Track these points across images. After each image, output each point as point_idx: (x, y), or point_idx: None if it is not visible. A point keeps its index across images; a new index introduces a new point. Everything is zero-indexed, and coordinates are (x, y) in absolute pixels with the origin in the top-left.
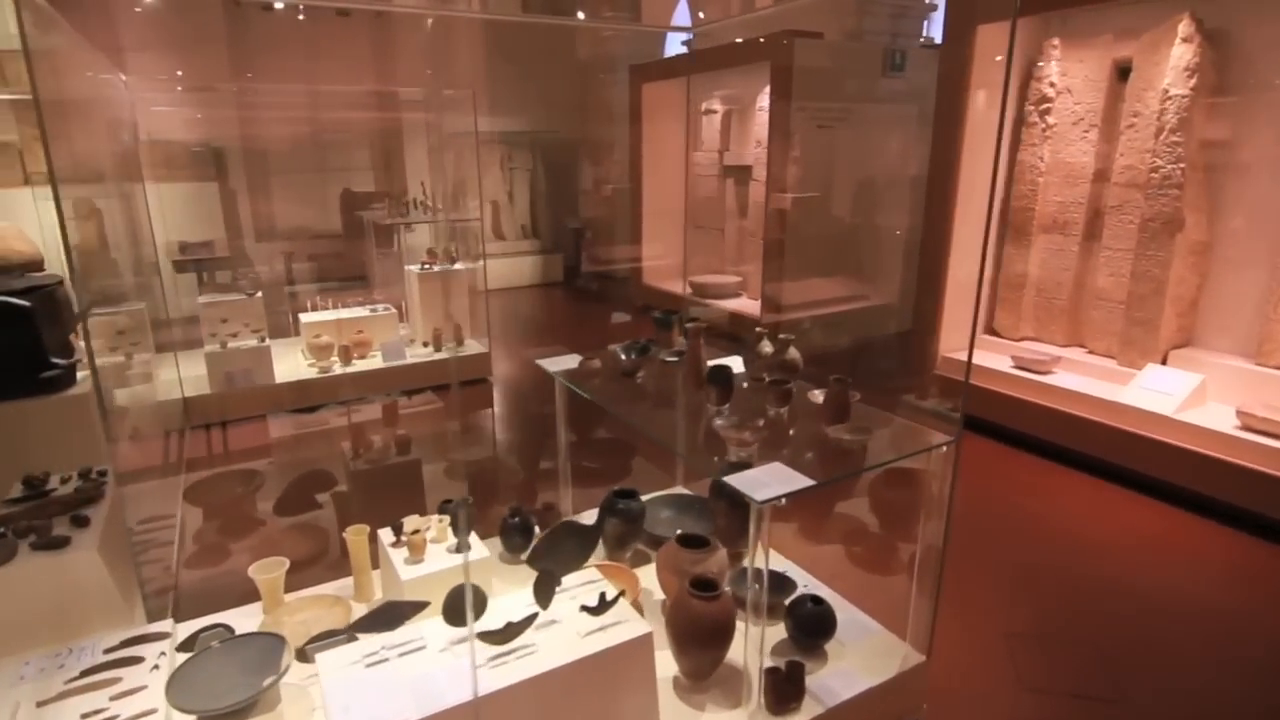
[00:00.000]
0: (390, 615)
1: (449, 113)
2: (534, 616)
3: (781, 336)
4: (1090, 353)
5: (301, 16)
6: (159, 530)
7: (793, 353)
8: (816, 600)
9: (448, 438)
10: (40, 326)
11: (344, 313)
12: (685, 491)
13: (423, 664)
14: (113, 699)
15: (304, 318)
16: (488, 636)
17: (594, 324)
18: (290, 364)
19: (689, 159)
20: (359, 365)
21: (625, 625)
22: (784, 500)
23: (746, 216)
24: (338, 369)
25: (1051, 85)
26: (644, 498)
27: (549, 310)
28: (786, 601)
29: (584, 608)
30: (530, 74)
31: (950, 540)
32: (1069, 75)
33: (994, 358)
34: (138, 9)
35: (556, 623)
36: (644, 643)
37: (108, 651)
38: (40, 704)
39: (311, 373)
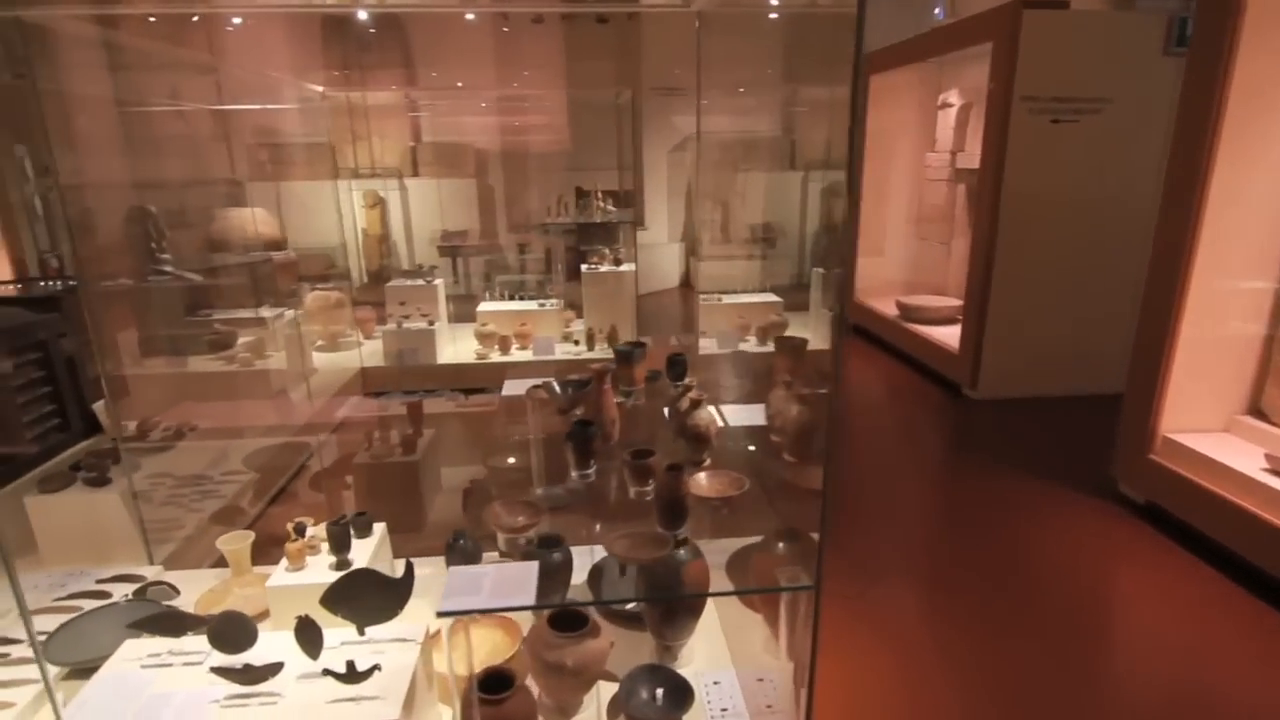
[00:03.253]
0: (174, 622)
1: (680, 115)
2: (279, 665)
3: (692, 394)
4: None
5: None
6: (219, 484)
7: (703, 415)
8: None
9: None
10: (204, 301)
11: (514, 305)
12: None
13: (182, 680)
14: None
15: (480, 306)
16: (224, 672)
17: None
18: (461, 348)
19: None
20: (515, 356)
21: (378, 703)
22: (476, 617)
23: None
24: (494, 357)
25: None
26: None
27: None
28: None
29: (328, 671)
30: (774, 72)
31: None
32: None
33: (1246, 453)
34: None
35: (315, 679)
36: None
37: (99, 582)
38: (54, 599)
39: (470, 358)
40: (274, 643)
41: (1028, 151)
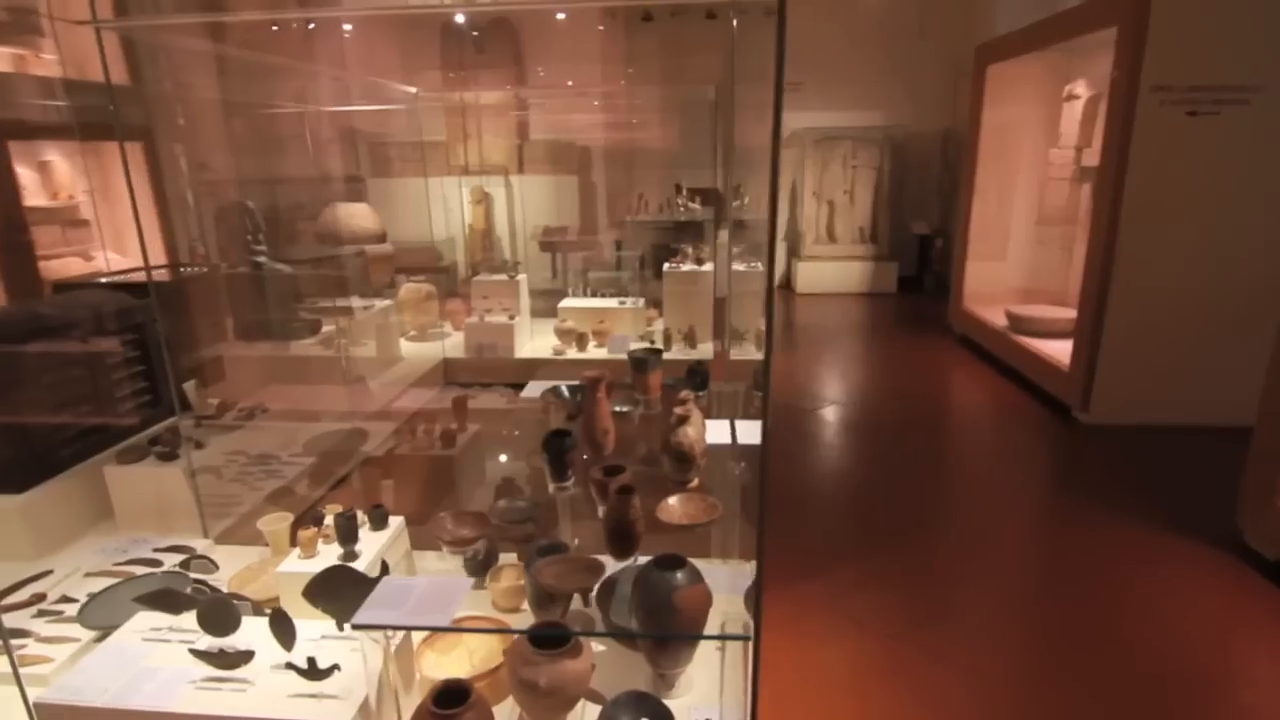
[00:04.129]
0: (173, 600)
1: (787, 111)
2: (250, 654)
3: (680, 409)
4: None
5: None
6: (284, 465)
7: (690, 433)
8: None
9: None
10: (294, 290)
11: (595, 301)
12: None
13: (172, 657)
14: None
15: (563, 302)
16: (201, 654)
17: (892, 349)
18: (540, 343)
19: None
20: (590, 353)
21: (336, 703)
22: (394, 635)
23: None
24: (571, 354)
25: None
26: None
27: (850, 325)
28: None
29: (290, 665)
30: (884, 62)
31: None
32: None
33: None
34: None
35: (283, 671)
36: None
37: (155, 550)
38: (87, 574)
39: (547, 354)
40: (258, 631)
41: (1158, 148)
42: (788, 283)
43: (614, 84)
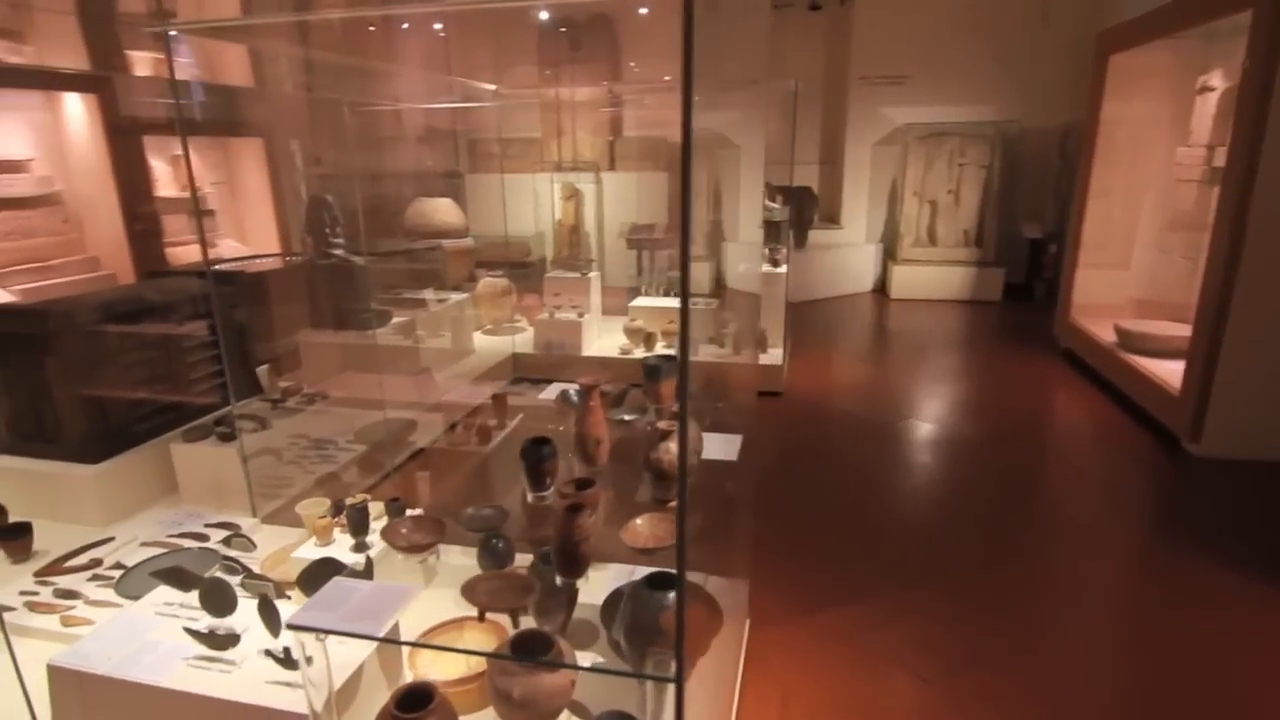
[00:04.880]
0: (183, 577)
1: (891, 106)
2: (236, 637)
3: (662, 423)
4: None
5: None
6: (341, 451)
7: (672, 449)
8: None
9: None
10: (366, 283)
11: (666, 301)
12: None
13: (176, 633)
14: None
15: (634, 301)
16: (193, 633)
17: (989, 362)
18: (609, 341)
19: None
20: (657, 353)
21: (304, 694)
22: (323, 638)
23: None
24: (638, 354)
25: None
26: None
27: (945, 334)
28: None
29: (268, 653)
30: (1000, 52)
31: None
32: None
33: None
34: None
35: (267, 658)
36: (260, 718)
37: (206, 526)
38: (144, 543)
39: (614, 353)
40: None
41: None
42: (882, 287)
43: (708, 79)
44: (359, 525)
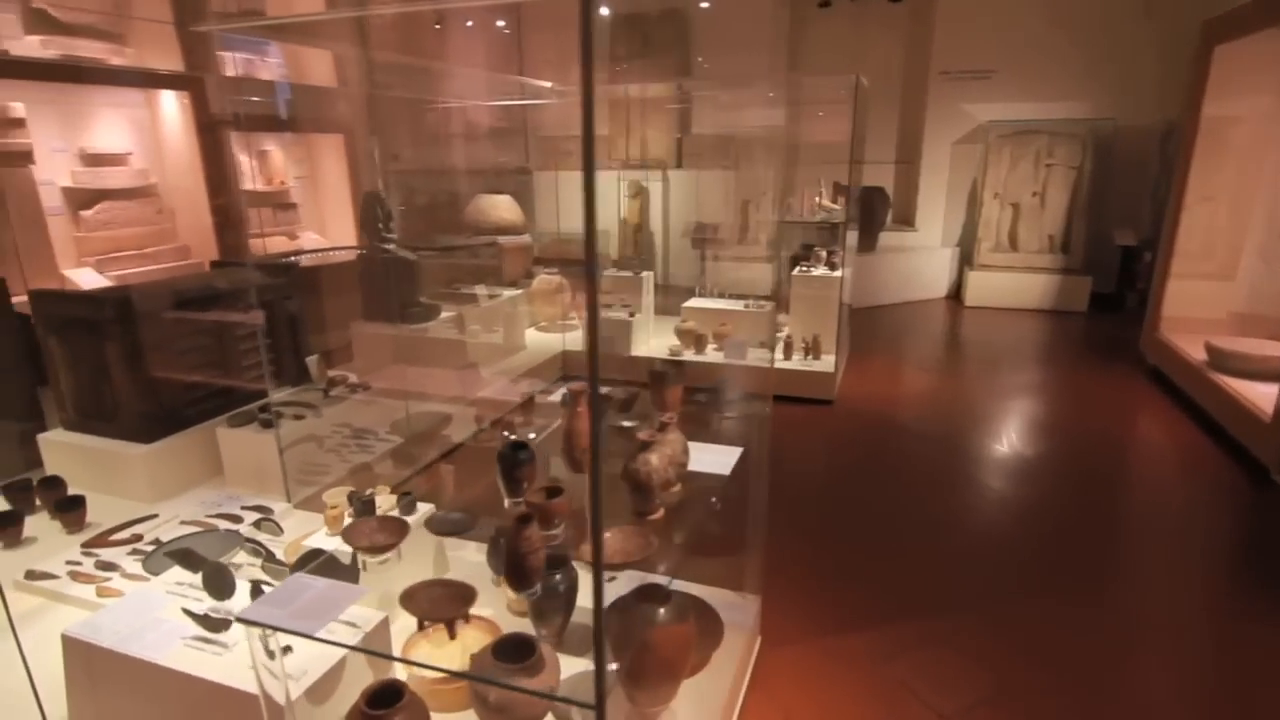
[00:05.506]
0: (191, 559)
1: (974, 103)
2: (229, 622)
3: (643, 434)
4: None
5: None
6: (381, 441)
7: (651, 461)
8: None
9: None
10: (416, 277)
11: (720, 302)
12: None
13: (180, 612)
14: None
15: (689, 302)
16: (193, 615)
17: (1068, 377)
18: (660, 342)
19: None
20: (707, 356)
21: (284, 681)
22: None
23: None
24: (687, 355)
25: None
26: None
27: (1023, 346)
28: None
29: (185, 610)
30: (1096, 45)
31: None
32: None
33: None
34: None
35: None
36: (243, 702)
37: (243, 508)
38: (183, 521)
39: (663, 354)
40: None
41: None
42: (957, 293)
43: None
44: (364, 517)
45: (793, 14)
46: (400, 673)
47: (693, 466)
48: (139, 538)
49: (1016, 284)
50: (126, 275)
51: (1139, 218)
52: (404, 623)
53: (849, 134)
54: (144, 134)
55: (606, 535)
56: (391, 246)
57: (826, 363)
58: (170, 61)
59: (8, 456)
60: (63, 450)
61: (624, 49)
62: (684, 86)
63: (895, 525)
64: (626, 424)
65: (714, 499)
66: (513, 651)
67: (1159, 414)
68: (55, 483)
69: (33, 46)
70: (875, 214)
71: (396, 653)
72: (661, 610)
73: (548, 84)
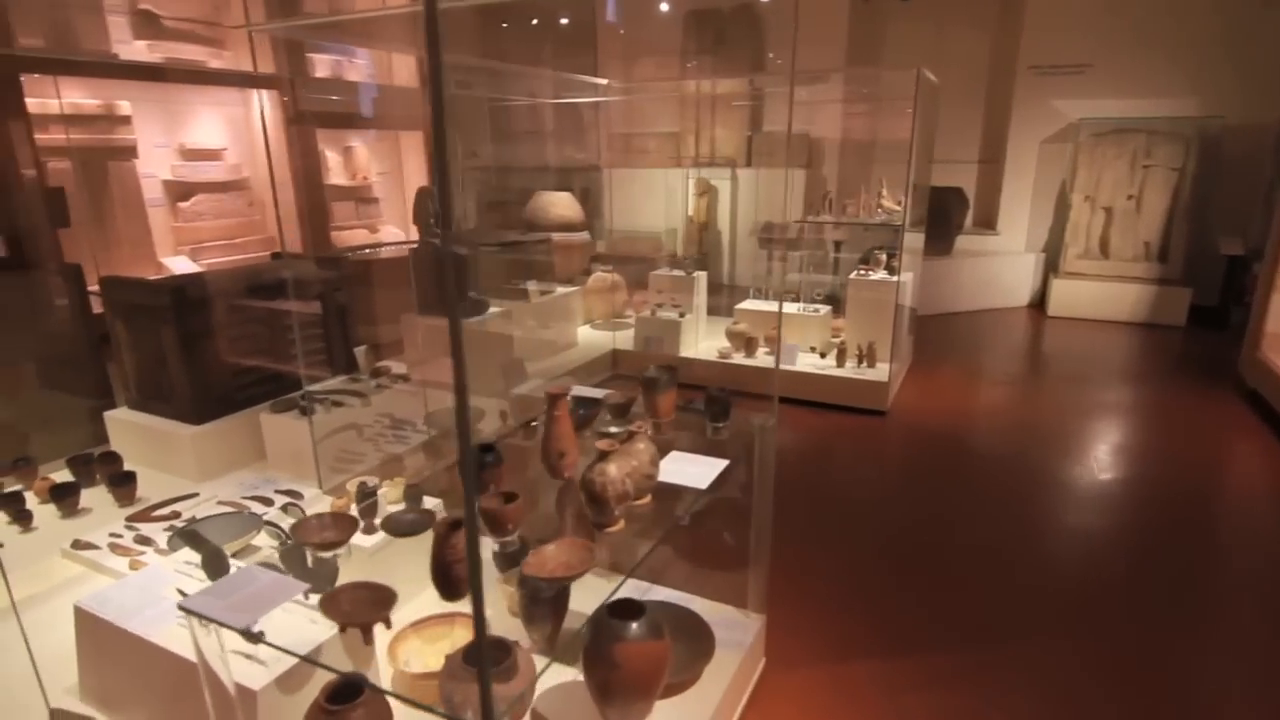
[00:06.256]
0: (198, 541)
1: (1065, 99)
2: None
3: (601, 443)
4: None
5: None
6: (418, 433)
7: (609, 471)
8: None
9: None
10: (465, 272)
11: (773, 306)
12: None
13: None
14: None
15: (742, 303)
16: (183, 595)
17: (1156, 398)
18: (709, 344)
19: None
20: (757, 360)
21: (257, 668)
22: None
23: None
24: (736, 359)
25: None
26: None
27: (1110, 362)
28: None
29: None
30: (1208, 37)
31: None
32: None
33: None
34: None
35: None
36: (220, 685)
37: (276, 491)
38: (219, 501)
39: (712, 355)
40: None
41: None
42: (1040, 302)
43: (858, 68)
44: (365, 509)
45: (873, 9)
46: (384, 667)
47: (671, 479)
48: (177, 515)
49: (1106, 294)
50: (217, 264)
51: (1248, 225)
52: (402, 615)
53: (910, 132)
54: (239, 130)
55: (549, 547)
56: (440, 241)
57: (880, 371)
58: (263, 63)
59: (79, 431)
60: (125, 428)
61: (696, 44)
62: (755, 83)
63: (935, 549)
64: (614, 430)
65: (681, 514)
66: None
67: (1255, 443)
68: (112, 458)
69: (140, 51)
70: (951, 215)
71: (381, 649)
72: (634, 625)
73: (602, 81)
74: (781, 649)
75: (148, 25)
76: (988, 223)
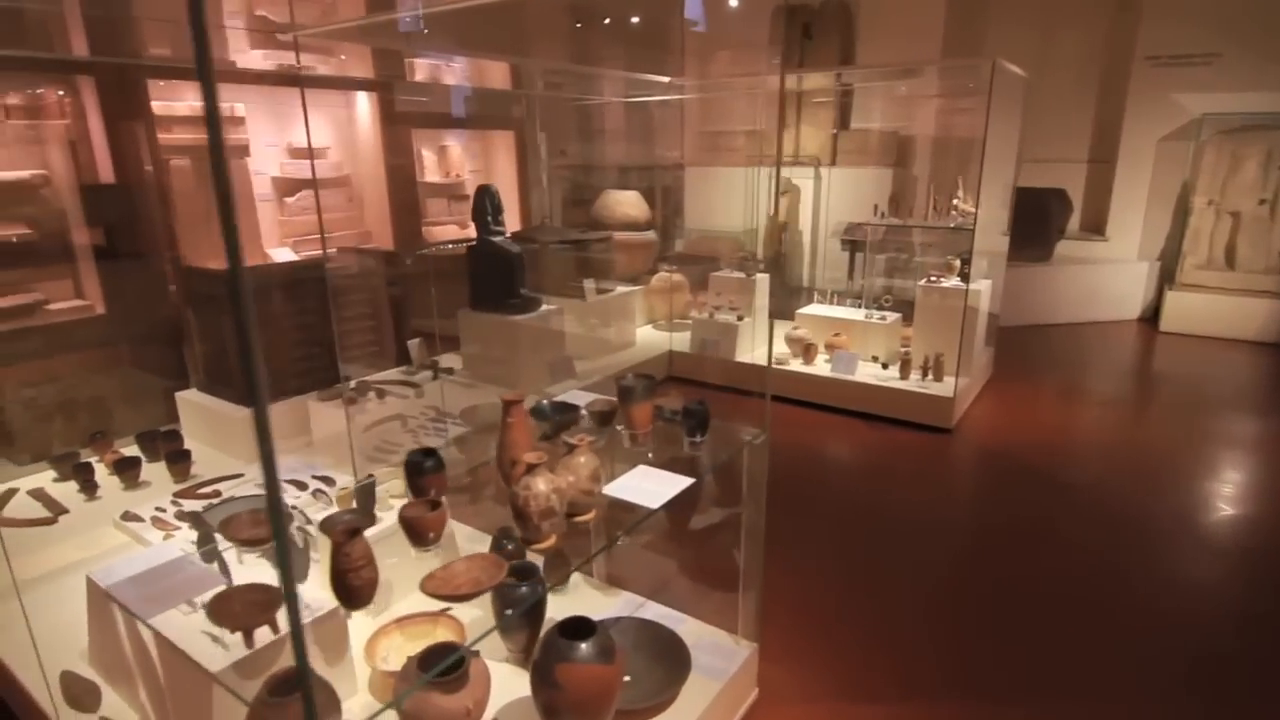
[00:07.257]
0: (198, 520)
1: (1188, 93)
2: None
3: (529, 456)
4: None
5: None
6: (455, 427)
7: (535, 486)
8: None
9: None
10: (518, 270)
11: (837, 311)
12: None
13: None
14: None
15: (804, 308)
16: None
17: (1274, 427)
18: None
19: None
20: (815, 368)
21: (221, 653)
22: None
23: None
24: (793, 365)
25: None
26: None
27: (1227, 385)
28: None
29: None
30: None
31: None
32: None
33: None
34: None
35: None
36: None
37: (312, 477)
38: (257, 484)
39: (761, 362)
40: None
41: None
42: (1153, 316)
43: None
44: (365, 503)
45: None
46: (360, 664)
47: (623, 495)
48: (217, 494)
49: (1230, 309)
50: (313, 256)
51: None
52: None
53: (983, 128)
54: (342, 130)
55: (459, 562)
56: (498, 239)
57: (946, 385)
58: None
59: (158, 409)
60: (192, 408)
61: (782, 39)
62: (843, 79)
63: (957, 582)
64: (573, 441)
65: (619, 534)
66: (438, 663)
67: None
68: (173, 436)
69: (255, 59)
70: (1051, 219)
71: (358, 644)
72: (582, 646)
73: (665, 79)
74: (779, 682)
75: (264, 37)
76: (1096, 227)
